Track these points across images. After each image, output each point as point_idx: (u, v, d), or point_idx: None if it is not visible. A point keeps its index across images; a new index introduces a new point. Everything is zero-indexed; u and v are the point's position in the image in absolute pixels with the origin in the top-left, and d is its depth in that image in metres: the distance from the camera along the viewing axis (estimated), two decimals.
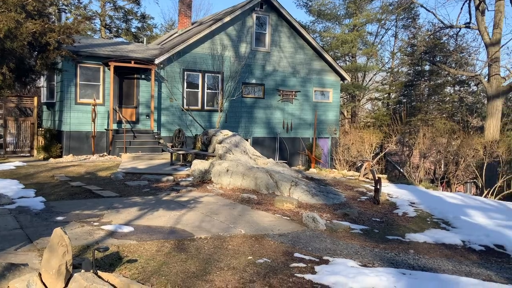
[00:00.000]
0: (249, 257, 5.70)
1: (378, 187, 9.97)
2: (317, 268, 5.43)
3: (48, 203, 8.27)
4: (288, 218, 8.02)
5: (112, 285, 4.24)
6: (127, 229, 6.59)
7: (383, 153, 19.87)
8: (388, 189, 12.36)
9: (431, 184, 16.66)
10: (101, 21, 34.37)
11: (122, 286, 4.17)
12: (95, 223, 6.89)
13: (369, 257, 6.12)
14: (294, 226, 7.42)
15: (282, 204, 8.91)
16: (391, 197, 10.99)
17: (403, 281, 5.08)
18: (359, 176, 15.51)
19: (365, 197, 10.71)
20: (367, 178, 15.42)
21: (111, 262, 5.17)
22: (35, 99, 18.87)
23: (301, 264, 5.54)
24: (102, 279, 4.29)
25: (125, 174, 11.73)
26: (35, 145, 18.08)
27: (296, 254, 5.92)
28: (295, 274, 5.19)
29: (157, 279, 4.79)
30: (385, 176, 17.45)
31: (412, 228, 8.15)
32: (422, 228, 8.25)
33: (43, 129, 18.60)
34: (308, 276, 5.14)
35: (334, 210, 9.05)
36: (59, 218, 7.14)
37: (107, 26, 35.08)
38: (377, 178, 9.99)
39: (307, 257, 5.84)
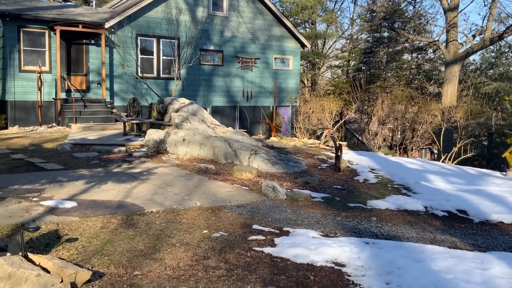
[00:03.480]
0: (204, 231, 5.28)
1: (339, 154, 9.73)
2: (276, 240, 5.09)
3: None
4: (247, 188, 7.63)
5: (44, 268, 3.72)
6: (69, 204, 6.00)
7: (342, 121, 19.78)
8: (349, 156, 12.20)
9: (389, 151, 16.74)
10: None
11: (55, 270, 3.66)
12: (34, 199, 6.25)
13: (331, 226, 5.84)
14: (253, 197, 7.05)
15: (241, 173, 8.51)
16: (351, 164, 10.81)
17: (366, 251, 4.82)
18: (320, 143, 15.33)
19: (326, 165, 10.48)
20: (327, 145, 15.27)
21: (48, 242, 4.62)
22: None
23: (260, 237, 5.18)
24: (33, 262, 3.76)
25: (73, 145, 10.96)
26: None
27: (255, 226, 5.56)
28: (253, 248, 4.83)
29: (99, 259, 4.29)
30: (345, 143, 17.38)
31: (373, 195, 7.96)
32: (383, 194, 8.08)
33: None
34: (267, 250, 4.79)
35: (295, 178, 8.73)
36: None
37: None
38: (337, 145, 9.73)
39: (266, 229, 5.49)
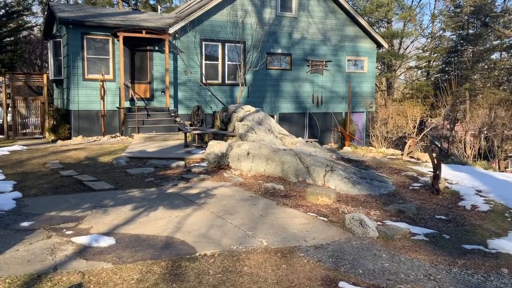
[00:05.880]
0: None
1: (437, 173, 7.91)
2: None
3: (22, 200, 6.63)
4: (325, 219, 6.10)
5: None
6: (106, 241, 4.83)
7: (429, 128, 17.54)
8: (443, 172, 10.24)
9: (485, 163, 14.37)
10: None
11: None
12: (68, 232, 5.17)
13: (449, 286, 4.18)
14: (334, 232, 5.51)
15: (316, 197, 7.00)
16: (450, 184, 8.90)
17: None
18: (403, 155, 13.45)
19: (419, 184, 8.67)
20: (412, 157, 13.37)
21: None
22: (44, 76, 17.45)
23: None
24: None
25: (129, 159, 10.03)
26: (46, 126, 16.72)
27: (342, 284, 4.04)
28: None
29: None
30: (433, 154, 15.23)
31: (491, 230, 6.12)
32: (504, 229, 6.21)
33: (51, 109, 17.19)
34: None
35: (383, 204, 7.07)
36: (25, 224, 5.46)
37: None
38: (436, 162, 7.90)
39: None
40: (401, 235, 5.56)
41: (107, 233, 5.13)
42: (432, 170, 8.19)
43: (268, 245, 4.94)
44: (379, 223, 5.99)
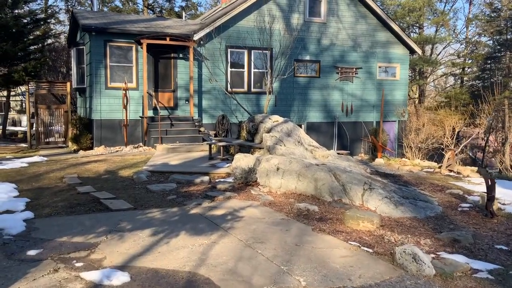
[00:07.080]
0: None
1: (492, 194, 7.02)
2: None
3: (33, 222, 6.08)
4: (369, 249, 5.33)
5: None
6: (119, 278, 4.19)
7: (469, 140, 16.48)
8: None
9: None
10: (143, 0, 32.51)
11: None
12: (78, 263, 4.56)
13: None
14: (383, 269, 4.73)
15: (356, 222, 6.22)
16: (502, 204, 7.98)
17: None
18: (440, 168, 12.52)
19: (467, 205, 7.78)
20: (451, 171, 12.43)
21: None
22: (68, 84, 17.17)
23: None
24: None
25: (150, 173, 9.45)
26: (69, 135, 16.41)
27: None
28: None
29: None
30: (470, 168, 14.19)
31: None
32: None
33: (74, 118, 16.88)
34: None
35: (433, 230, 6.24)
36: (32, 252, 4.88)
37: (149, 6, 33.19)
38: (491, 182, 7.02)
39: None
40: (461, 272, 4.74)
41: (122, 267, 4.49)
42: (486, 191, 7.30)
43: (307, 286, 4.21)
44: (432, 255, 5.18)
